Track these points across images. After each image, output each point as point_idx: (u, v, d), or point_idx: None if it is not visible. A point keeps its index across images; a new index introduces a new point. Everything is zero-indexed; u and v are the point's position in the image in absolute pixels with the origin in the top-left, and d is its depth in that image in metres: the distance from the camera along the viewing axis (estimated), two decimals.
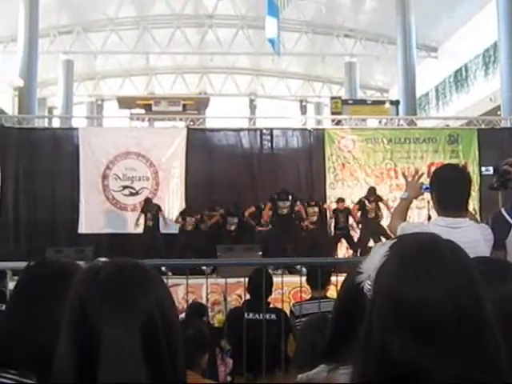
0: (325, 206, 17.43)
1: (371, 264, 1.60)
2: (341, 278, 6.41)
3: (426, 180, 4.94)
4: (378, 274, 1.52)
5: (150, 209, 16.77)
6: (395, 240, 1.59)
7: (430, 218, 13.54)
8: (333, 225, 17.28)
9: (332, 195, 18.02)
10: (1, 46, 28.41)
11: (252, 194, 17.79)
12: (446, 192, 4.41)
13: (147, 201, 16.95)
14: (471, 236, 4.13)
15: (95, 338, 1.53)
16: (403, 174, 5.96)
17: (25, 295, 2.28)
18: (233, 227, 16.69)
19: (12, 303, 2.36)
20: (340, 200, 17.24)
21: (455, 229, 4.19)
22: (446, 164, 5.42)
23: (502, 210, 4.47)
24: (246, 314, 6.50)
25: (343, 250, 17.28)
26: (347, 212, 17.13)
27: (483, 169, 5.79)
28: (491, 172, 5.26)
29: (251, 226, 16.70)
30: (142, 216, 16.83)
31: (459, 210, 4.36)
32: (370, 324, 1.48)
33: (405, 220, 4.81)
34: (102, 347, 1.52)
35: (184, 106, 21.66)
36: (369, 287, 1.63)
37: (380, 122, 20.85)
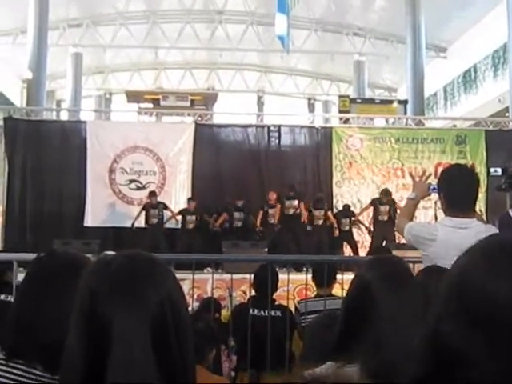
0: (328, 213, 17.26)
1: (443, 260, 1.57)
2: (346, 276, 6.45)
3: (433, 180, 4.95)
4: (459, 268, 1.49)
5: (155, 206, 16.77)
6: (480, 240, 1.56)
7: (436, 218, 13.52)
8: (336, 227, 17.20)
9: (338, 193, 18.05)
10: (10, 37, 28.40)
11: (259, 190, 17.78)
12: (453, 192, 4.42)
13: (151, 196, 16.90)
14: (478, 237, 4.11)
15: (105, 330, 1.54)
16: (410, 174, 5.94)
17: (34, 286, 2.29)
18: (239, 224, 16.72)
19: (21, 294, 2.38)
20: (346, 206, 17.31)
21: (462, 229, 4.20)
22: (454, 164, 5.39)
23: (510, 212, 4.48)
24: (251, 311, 6.50)
25: (349, 249, 17.25)
26: (351, 215, 17.18)
27: (491, 170, 5.83)
28: (499, 173, 5.28)
29: (254, 225, 16.77)
30: (143, 213, 16.89)
31: (467, 210, 4.37)
32: (440, 317, 1.44)
33: (412, 220, 4.82)
34: (111, 339, 1.53)
35: (192, 101, 21.67)
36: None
37: (388, 122, 20.82)
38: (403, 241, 16.04)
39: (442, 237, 4.24)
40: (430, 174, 5.06)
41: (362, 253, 16.60)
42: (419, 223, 5.19)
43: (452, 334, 1.34)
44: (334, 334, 3.60)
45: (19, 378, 2.11)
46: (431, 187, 4.92)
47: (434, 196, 4.72)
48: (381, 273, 2.28)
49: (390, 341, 2.10)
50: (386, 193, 16.90)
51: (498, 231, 4.35)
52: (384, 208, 16.66)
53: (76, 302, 1.66)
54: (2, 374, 2.13)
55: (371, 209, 17.02)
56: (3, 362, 2.17)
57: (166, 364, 1.57)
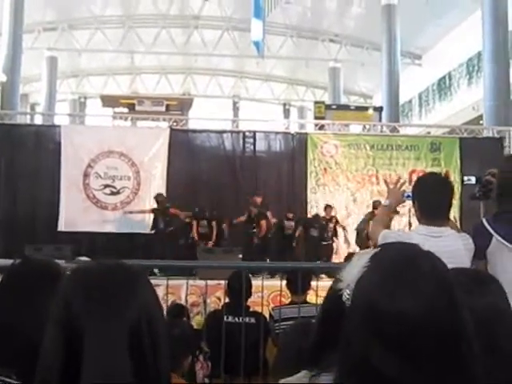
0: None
1: (351, 273, 1.60)
2: (321, 283, 6.44)
3: (407, 188, 4.96)
4: (357, 284, 1.52)
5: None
6: (376, 251, 1.60)
7: (410, 225, 13.59)
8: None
9: (313, 200, 18.07)
10: None
11: (233, 196, 17.77)
12: (428, 200, 4.42)
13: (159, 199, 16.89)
14: (452, 245, 4.15)
15: (81, 339, 1.53)
16: (385, 181, 5.96)
17: (8, 293, 2.27)
18: (203, 230, 16.63)
19: None
20: (328, 207, 17.32)
21: (436, 238, 4.20)
22: (428, 172, 5.42)
23: (484, 221, 4.49)
24: (225, 317, 6.48)
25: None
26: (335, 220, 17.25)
27: (465, 178, 5.86)
28: (473, 182, 5.30)
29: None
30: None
31: (441, 218, 4.37)
32: (348, 333, 1.49)
33: (387, 227, 4.82)
34: (85, 348, 1.52)
35: (167, 106, 21.62)
36: (347, 296, 1.64)
37: (363, 128, 20.86)
38: None
39: None
40: (405, 182, 5.07)
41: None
42: (393, 231, 5.19)
43: (378, 359, 1.38)
44: (308, 341, 3.59)
45: None
46: (405, 194, 4.93)
47: (409, 203, 4.73)
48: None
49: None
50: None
51: (471, 239, 4.37)
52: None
53: (52, 310, 1.65)
54: None
55: None
56: None
57: (141, 373, 1.56)
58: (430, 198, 4.40)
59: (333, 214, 17.23)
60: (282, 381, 2.43)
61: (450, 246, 4.09)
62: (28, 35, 26.44)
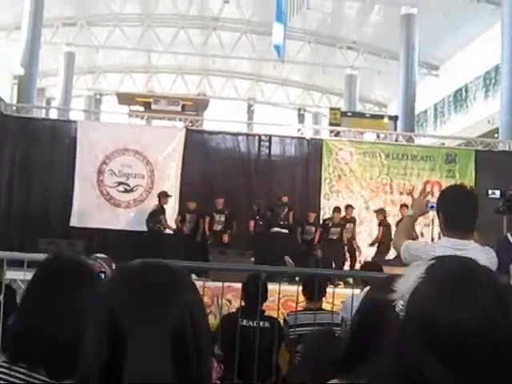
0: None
1: (406, 284, 1.59)
2: (338, 290, 6.43)
3: (431, 199, 4.94)
4: (412, 295, 1.51)
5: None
6: (432, 262, 1.58)
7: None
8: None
9: (326, 206, 18.01)
10: (4, 33, 28.29)
11: (246, 198, 17.73)
12: (452, 213, 4.40)
13: (162, 198, 16.84)
14: (476, 259, 4.12)
15: (122, 340, 1.52)
16: (410, 192, 5.96)
17: (39, 289, 2.27)
18: (219, 227, 16.68)
19: (26, 296, 2.35)
20: (349, 207, 17.38)
21: (460, 250, 4.17)
22: (454, 184, 5.39)
23: (508, 235, 4.47)
24: (240, 321, 6.47)
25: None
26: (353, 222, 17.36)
27: (490, 191, 5.82)
28: (497, 195, 5.29)
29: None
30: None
31: (465, 231, 4.34)
32: (401, 345, 1.47)
33: (409, 237, 4.81)
34: (127, 350, 1.51)
35: (183, 106, 21.64)
36: (401, 307, 1.62)
37: (378, 137, 20.81)
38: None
39: None
40: (429, 192, 5.06)
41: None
42: (417, 242, 5.19)
43: (431, 372, 1.36)
44: (330, 350, 3.58)
45: (22, 382, 2.09)
46: (429, 205, 4.92)
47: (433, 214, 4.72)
48: (380, 295, 2.26)
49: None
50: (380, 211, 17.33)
51: (494, 253, 4.34)
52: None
53: (95, 310, 1.64)
54: (5, 377, 2.10)
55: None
56: (6, 365, 2.14)
57: (184, 376, 1.54)
58: (455, 210, 4.38)
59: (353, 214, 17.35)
60: None
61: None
62: (47, 30, 26.50)
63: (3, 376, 2.10)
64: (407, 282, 1.57)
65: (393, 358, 1.50)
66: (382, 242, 16.54)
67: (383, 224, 17.01)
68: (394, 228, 17.47)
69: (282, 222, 16.64)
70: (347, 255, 17.18)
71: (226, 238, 16.54)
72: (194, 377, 1.57)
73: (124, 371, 1.49)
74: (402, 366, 1.46)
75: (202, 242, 16.50)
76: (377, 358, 2.14)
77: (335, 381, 2.33)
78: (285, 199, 16.70)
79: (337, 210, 17.12)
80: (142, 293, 1.58)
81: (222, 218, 16.68)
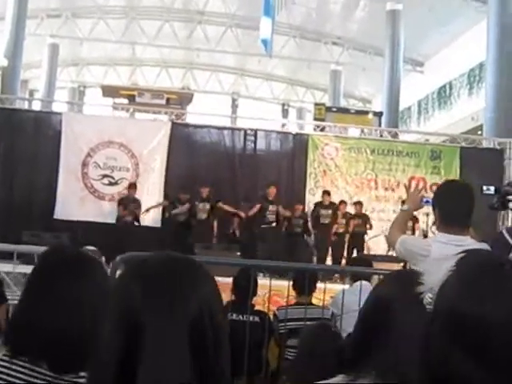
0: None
1: (434, 277, 1.57)
2: (329, 285, 6.42)
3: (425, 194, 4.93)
4: (441, 288, 1.49)
5: (130, 202, 16.65)
6: (462, 255, 1.56)
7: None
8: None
9: (311, 201, 17.99)
10: None
11: (231, 192, 17.73)
12: (448, 208, 4.38)
13: (132, 189, 16.82)
14: None
15: (139, 334, 1.49)
16: (405, 186, 5.95)
17: (40, 281, 2.24)
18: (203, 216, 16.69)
19: (27, 288, 2.31)
20: (358, 203, 17.54)
21: (456, 246, 4.15)
22: (450, 180, 5.40)
23: (503, 231, 4.47)
24: (229, 315, 6.45)
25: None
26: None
27: (484, 188, 5.80)
28: (492, 191, 5.28)
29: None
30: (121, 208, 16.72)
31: (461, 227, 4.33)
32: (429, 337, 1.46)
33: (404, 232, 4.80)
34: (146, 343, 1.48)
35: (168, 99, 21.67)
36: (429, 300, 1.60)
37: (362, 132, 20.84)
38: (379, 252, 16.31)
39: (435, 253, 4.19)
40: (423, 187, 5.05)
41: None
42: (412, 237, 5.20)
43: (457, 365, 1.35)
44: (325, 343, 3.54)
45: (23, 376, 2.05)
46: (424, 200, 4.91)
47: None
48: (399, 288, 2.24)
49: (407, 356, 2.07)
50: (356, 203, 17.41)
51: (490, 249, 4.33)
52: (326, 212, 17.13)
53: (111, 302, 1.60)
54: (5, 371, 2.07)
55: None
56: (7, 358, 2.11)
57: (203, 370, 1.52)
58: (450, 205, 4.37)
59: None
60: None
61: None
62: (31, 21, 26.35)
63: (4, 370, 2.07)
64: (436, 275, 1.55)
65: (420, 348, 1.49)
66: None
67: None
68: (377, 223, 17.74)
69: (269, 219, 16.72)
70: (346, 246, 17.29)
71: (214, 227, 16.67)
72: (212, 369, 1.55)
73: (141, 365, 1.46)
74: (428, 359, 1.45)
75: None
76: (381, 354, 2.13)
77: (340, 377, 2.31)
78: (272, 193, 16.73)
79: (326, 193, 17.24)
80: (159, 285, 1.55)
81: (207, 207, 16.67)
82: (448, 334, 1.40)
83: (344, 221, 17.15)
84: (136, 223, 16.69)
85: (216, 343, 1.56)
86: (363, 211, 17.54)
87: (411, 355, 2.07)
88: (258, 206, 16.62)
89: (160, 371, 1.46)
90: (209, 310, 1.56)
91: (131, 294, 1.55)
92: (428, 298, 1.64)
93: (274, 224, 16.76)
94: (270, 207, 16.67)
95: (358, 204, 17.44)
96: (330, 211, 17.04)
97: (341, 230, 17.14)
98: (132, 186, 16.88)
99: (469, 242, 4.26)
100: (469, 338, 1.37)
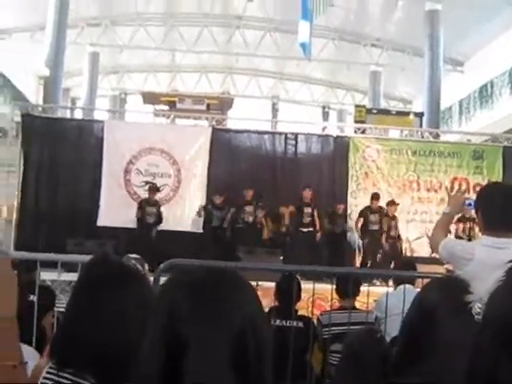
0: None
1: (484, 286, 1.56)
2: (372, 288, 6.39)
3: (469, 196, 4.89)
4: (491, 298, 1.48)
5: (149, 205, 16.74)
6: (511, 265, 1.55)
7: None
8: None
9: (353, 204, 17.96)
10: (28, 34, 28.43)
11: (273, 197, 17.69)
12: (491, 211, 4.34)
13: (151, 192, 16.92)
14: None
15: (182, 347, 1.50)
16: (446, 189, 5.92)
17: (84, 293, 2.26)
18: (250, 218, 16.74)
19: (72, 300, 2.33)
20: (391, 203, 17.30)
21: (501, 249, 4.12)
22: (493, 182, 5.33)
23: None
24: (272, 321, 6.44)
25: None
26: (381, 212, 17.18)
27: None
28: None
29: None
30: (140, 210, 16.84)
31: (505, 230, 4.27)
32: (478, 347, 1.45)
33: (446, 235, 4.76)
34: (188, 357, 1.48)
35: (208, 105, 21.71)
36: (478, 310, 1.59)
37: (401, 133, 20.74)
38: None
39: (479, 256, 4.16)
40: (466, 190, 5.02)
41: None
42: (456, 240, 5.16)
43: (506, 375, 1.34)
44: (371, 349, 3.53)
45: None
46: (467, 203, 4.87)
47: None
48: (446, 296, 2.23)
49: (453, 366, 2.05)
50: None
51: None
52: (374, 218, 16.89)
53: (153, 317, 1.61)
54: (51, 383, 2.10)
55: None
56: (53, 371, 2.13)
57: (244, 382, 1.52)
58: (494, 207, 4.33)
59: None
60: None
61: None
62: (71, 30, 26.57)
63: (51, 383, 2.09)
64: (485, 284, 1.54)
65: (469, 360, 1.48)
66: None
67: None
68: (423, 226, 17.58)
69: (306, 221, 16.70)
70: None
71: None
72: (255, 382, 1.55)
73: (182, 377, 1.47)
74: (476, 369, 1.43)
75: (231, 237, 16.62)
76: (427, 363, 2.11)
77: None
78: (307, 195, 16.69)
79: (375, 197, 17.08)
80: (204, 298, 1.56)
81: (252, 209, 16.71)
82: (498, 345, 1.38)
83: (393, 223, 16.99)
84: (156, 225, 16.83)
85: (259, 356, 1.56)
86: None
87: (458, 365, 2.07)
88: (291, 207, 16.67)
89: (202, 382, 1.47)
90: (252, 324, 1.56)
91: (174, 305, 1.56)
92: (477, 307, 1.62)
93: (310, 227, 16.72)
94: (306, 209, 16.64)
95: (392, 204, 17.24)
96: (377, 216, 16.90)
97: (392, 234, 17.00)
98: (152, 189, 16.95)
99: None
100: None
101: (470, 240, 14.71)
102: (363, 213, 17.01)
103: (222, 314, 1.54)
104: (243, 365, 1.52)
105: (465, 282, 1.96)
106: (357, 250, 17.41)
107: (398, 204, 17.23)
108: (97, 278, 2.29)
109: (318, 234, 16.82)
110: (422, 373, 2.10)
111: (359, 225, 16.97)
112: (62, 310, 3.94)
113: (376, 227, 16.81)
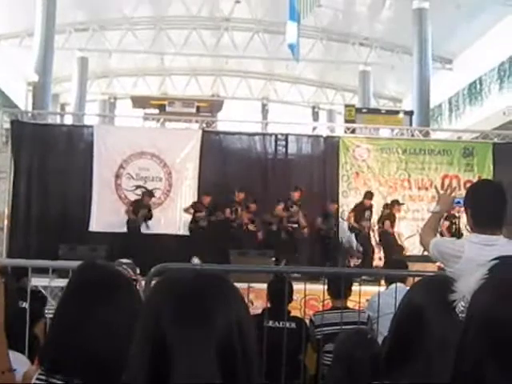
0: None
1: (467, 285, 1.56)
2: (364, 288, 6.40)
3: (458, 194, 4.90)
4: (474, 296, 1.48)
5: (141, 207, 16.76)
6: (494, 262, 1.55)
7: None
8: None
9: (344, 203, 17.98)
10: (17, 40, 28.41)
11: (264, 198, 17.67)
12: (481, 208, 4.36)
13: (145, 196, 16.97)
14: (506, 254, 4.08)
15: (168, 350, 1.50)
16: (435, 187, 5.91)
17: (75, 299, 2.26)
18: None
19: (61, 306, 2.33)
20: (396, 202, 17.31)
21: (490, 246, 4.14)
22: (482, 180, 5.34)
23: None
24: (265, 322, 6.44)
25: None
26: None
27: None
28: None
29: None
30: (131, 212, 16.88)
31: (494, 227, 4.30)
32: (463, 347, 1.45)
33: (436, 234, 4.78)
34: (174, 360, 1.49)
35: (198, 107, 21.66)
36: (462, 309, 1.60)
37: (392, 132, 20.78)
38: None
39: (468, 254, 4.17)
40: (455, 188, 5.02)
41: None
42: (445, 239, 5.17)
43: (491, 375, 1.34)
44: (362, 349, 3.54)
45: None
46: (456, 201, 4.88)
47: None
48: (433, 295, 2.23)
49: (441, 366, 2.06)
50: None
51: None
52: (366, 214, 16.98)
53: (140, 321, 1.62)
54: None
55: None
56: (43, 377, 2.13)
57: None
58: (482, 205, 4.35)
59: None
60: None
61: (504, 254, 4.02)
62: (59, 36, 26.54)
63: None
64: (468, 283, 1.54)
65: (455, 360, 1.48)
66: None
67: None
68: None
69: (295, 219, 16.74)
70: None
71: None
72: None
73: (169, 380, 1.48)
74: (462, 368, 1.43)
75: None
76: (415, 364, 2.12)
77: (376, 383, 2.32)
78: (294, 196, 16.71)
79: (368, 195, 17.14)
80: (189, 302, 1.57)
81: (242, 211, 16.76)
82: (482, 344, 1.39)
83: (388, 222, 16.99)
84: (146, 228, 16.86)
85: (245, 362, 1.56)
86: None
87: (445, 365, 2.07)
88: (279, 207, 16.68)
89: None
90: (238, 329, 1.56)
91: (160, 310, 1.56)
92: (460, 306, 1.63)
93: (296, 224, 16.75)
94: (293, 208, 16.65)
95: (397, 204, 17.25)
96: (369, 213, 16.94)
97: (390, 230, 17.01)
98: (146, 194, 17.01)
99: (502, 242, 4.24)
100: (503, 348, 1.36)
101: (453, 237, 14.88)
102: (355, 208, 17.06)
103: (207, 319, 1.54)
104: (231, 369, 1.52)
105: (451, 280, 1.96)
106: (355, 250, 17.40)
107: (402, 204, 17.32)
108: (85, 284, 2.29)
109: (305, 230, 16.82)
110: (411, 374, 2.10)
111: (352, 220, 16.99)
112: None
113: (368, 224, 16.87)
